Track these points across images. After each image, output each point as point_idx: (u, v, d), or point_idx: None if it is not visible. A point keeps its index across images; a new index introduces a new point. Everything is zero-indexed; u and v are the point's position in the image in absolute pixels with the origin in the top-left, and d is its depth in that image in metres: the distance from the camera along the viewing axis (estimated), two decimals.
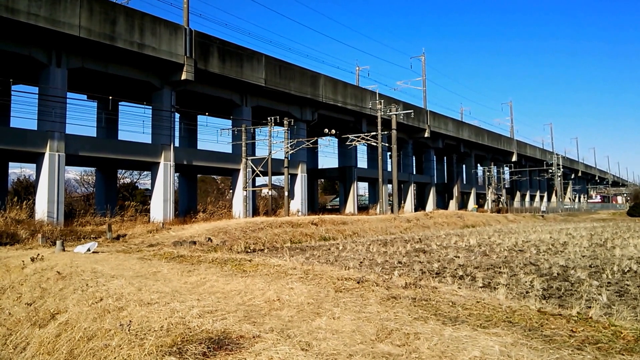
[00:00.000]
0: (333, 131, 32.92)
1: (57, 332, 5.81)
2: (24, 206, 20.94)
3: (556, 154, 75.22)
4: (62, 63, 23.51)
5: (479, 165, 72.51)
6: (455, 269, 10.61)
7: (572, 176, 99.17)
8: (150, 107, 29.46)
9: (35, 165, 24.12)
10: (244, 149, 32.30)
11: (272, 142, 32.60)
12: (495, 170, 64.76)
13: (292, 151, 33.73)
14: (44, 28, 21.39)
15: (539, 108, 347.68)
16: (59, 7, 21.82)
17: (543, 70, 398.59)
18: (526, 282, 8.87)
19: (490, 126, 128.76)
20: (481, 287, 8.13)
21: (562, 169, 72.71)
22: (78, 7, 22.49)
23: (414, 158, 56.54)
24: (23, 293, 8.44)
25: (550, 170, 72.13)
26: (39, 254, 11.41)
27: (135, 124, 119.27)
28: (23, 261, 10.72)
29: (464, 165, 67.36)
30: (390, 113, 36.37)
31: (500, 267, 10.89)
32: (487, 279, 9.26)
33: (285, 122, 32.64)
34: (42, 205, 22.59)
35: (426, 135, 50.91)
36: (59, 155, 23.01)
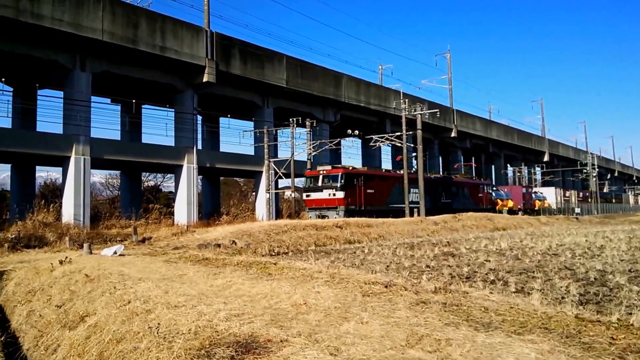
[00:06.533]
0: (356, 132, 32.75)
1: (87, 334, 5.84)
2: (51, 209, 21.35)
3: (590, 153, 72.36)
4: (87, 67, 23.89)
5: (509, 165, 70.93)
6: (486, 273, 10.38)
7: (608, 176, 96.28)
8: (173, 110, 29.76)
9: (61, 168, 24.55)
10: (266, 150, 32.35)
11: (295, 143, 32.63)
12: (527, 171, 63.39)
13: (314, 153, 33.69)
14: (68, 33, 21.80)
15: (571, 106, 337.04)
16: (82, 11, 22.19)
17: (575, 68, 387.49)
18: (562, 287, 8.62)
19: (520, 125, 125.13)
20: (514, 292, 7.92)
21: (597, 169, 69.89)
22: (101, 11, 22.85)
23: (440, 158, 55.87)
24: (53, 295, 8.53)
25: (585, 170, 69.11)
26: (67, 257, 11.54)
27: (158, 126, 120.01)
28: (52, 264, 10.86)
29: (493, 166, 66.22)
30: (415, 113, 35.79)
31: (533, 272, 10.60)
32: (520, 283, 9.03)
33: (307, 123, 32.62)
34: (69, 209, 22.97)
35: (453, 135, 50.33)
36: (84, 158, 23.38)
